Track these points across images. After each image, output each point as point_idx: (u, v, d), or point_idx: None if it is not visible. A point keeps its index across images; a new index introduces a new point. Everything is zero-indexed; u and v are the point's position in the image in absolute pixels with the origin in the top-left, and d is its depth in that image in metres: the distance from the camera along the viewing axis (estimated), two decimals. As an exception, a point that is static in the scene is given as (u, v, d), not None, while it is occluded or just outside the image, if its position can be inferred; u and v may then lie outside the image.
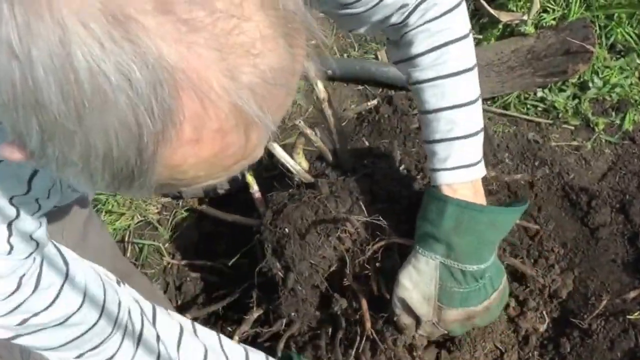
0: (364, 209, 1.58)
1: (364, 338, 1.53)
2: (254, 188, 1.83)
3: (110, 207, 2.15)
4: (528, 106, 2.23)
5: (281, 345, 1.59)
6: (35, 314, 1.09)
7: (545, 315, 1.74)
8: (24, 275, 1.04)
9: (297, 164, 1.66)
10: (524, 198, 1.83)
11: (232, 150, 0.67)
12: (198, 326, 1.44)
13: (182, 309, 1.93)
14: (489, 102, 2.25)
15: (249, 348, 1.50)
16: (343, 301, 1.58)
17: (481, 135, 1.44)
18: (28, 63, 0.57)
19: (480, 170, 1.45)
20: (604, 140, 2.11)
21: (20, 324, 1.08)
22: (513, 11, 2.38)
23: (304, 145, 1.79)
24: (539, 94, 2.23)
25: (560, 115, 2.18)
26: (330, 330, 1.63)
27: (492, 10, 2.34)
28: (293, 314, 1.61)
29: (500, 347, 1.68)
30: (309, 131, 1.64)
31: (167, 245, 2.11)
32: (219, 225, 2.07)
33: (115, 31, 0.56)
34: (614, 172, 2.01)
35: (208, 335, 1.45)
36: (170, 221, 2.14)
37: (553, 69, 2.16)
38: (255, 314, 1.70)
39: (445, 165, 1.41)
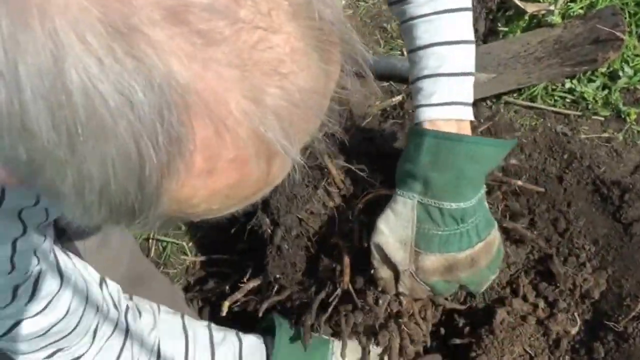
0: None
1: (339, 295, 1.44)
2: None
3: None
4: (556, 98, 2.13)
5: (264, 306, 1.53)
6: (19, 322, 1.09)
7: (577, 317, 1.66)
8: (18, 286, 1.02)
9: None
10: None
11: (251, 181, 0.59)
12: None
13: (203, 308, 1.90)
14: (514, 95, 2.17)
15: None
16: (327, 260, 1.51)
17: (472, 80, 1.38)
18: (14, 82, 0.48)
19: (468, 113, 1.36)
20: (636, 132, 2.01)
21: (5, 333, 1.08)
22: (539, 2, 2.29)
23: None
24: (567, 84, 2.13)
25: (590, 106, 2.09)
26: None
27: (518, 2, 2.26)
28: (279, 276, 1.54)
29: (530, 351, 1.60)
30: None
31: (190, 244, 2.07)
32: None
33: (116, 45, 0.47)
34: (647, 164, 1.91)
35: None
36: None
37: (582, 58, 2.06)
38: (252, 283, 1.64)
39: (430, 101, 1.33)
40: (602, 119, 2.06)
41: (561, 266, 1.70)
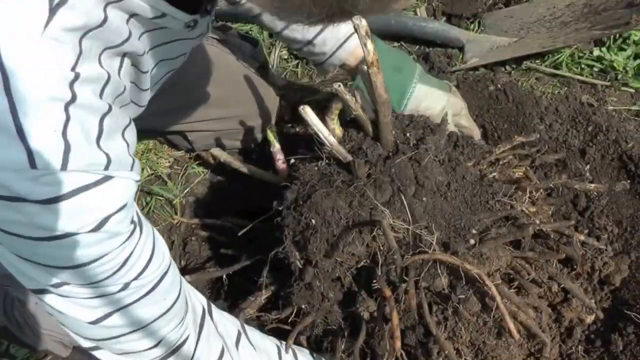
0: (405, 204, 1.29)
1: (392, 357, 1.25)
2: (276, 146, 1.55)
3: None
4: (582, 66, 1.91)
5: (290, 342, 1.34)
6: (138, 274, 0.97)
7: (594, 305, 1.45)
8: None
9: (330, 135, 1.35)
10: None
11: None
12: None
13: (185, 271, 1.72)
14: (537, 61, 1.95)
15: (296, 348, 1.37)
16: (371, 303, 1.30)
17: None
18: None
19: None
20: (669, 106, 1.79)
21: (122, 289, 0.96)
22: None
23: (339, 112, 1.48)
24: (596, 52, 1.91)
25: (619, 76, 1.86)
26: (347, 330, 1.36)
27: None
28: (304, 306, 1.36)
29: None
30: (348, 96, 1.33)
31: (175, 201, 1.88)
32: (233, 182, 1.85)
33: None
34: (679, 141, 1.68)
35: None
36: (181, 175, 1.93)
37: (614, 22, 1.83)
38: (264, 296, 1.47)
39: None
40: (633, 90, 1.84)
41: (579, 248, 1.48)
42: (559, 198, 1.61)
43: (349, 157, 1.35)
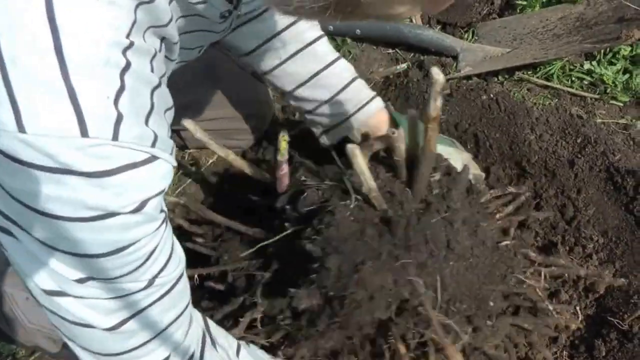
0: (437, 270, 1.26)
1: None
2: (284, 156, 1.40)
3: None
4: (573, 78, 1.94)
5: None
6: (160, 270, 0.93)
7: (579, 312, 1.50)
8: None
9: (372, 180, 1.26)
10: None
11: None
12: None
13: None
14: (529, 72, 1.97)
15: None
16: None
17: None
18: None
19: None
20: (656, 120, 1.82)
21: (146, 286, 0.91)
22: (562, -24, 2.10)
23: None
24: (586, 66, 1.94)
25: (609, 90, 1.90)
26: None
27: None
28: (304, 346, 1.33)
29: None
30: (402, 145, 1.29)
31: (167, 200, 1.85)
32: (225, 182, 1.85)
33: None
34: (666, 155, 1.72)
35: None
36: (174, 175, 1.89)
37: (604, 36, 1.87)
38: (254, 315, 1.39)
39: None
40: (621, 104, 1.87)
41: (566, 256, 1.52)
42: (547, 208, 1.63)
43: (384, 206, 1.30)
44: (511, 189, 1.58)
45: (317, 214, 1.31)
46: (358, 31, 2.14)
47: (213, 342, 1.16)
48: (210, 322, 1.21)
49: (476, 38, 2.12)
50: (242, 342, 1.27)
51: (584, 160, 1.71)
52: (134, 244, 0.84)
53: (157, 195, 0.82)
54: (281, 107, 1.95)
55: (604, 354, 1.43)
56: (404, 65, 2.08)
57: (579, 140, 1.75)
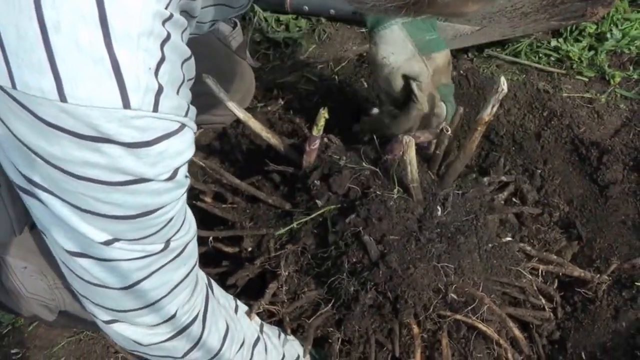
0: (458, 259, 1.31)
1: None
2: (320, 132, 1.36)
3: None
4: (540, 55, 1.96)
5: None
6: (176, 232, 0.94)
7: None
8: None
9: (416, 172, 1.28)
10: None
11: None
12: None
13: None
14: (498, 49, 2.00)
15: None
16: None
17: None
18: None
19: None
20: (619, 95, 1.85)
21: (164, 248, 0.92)
22: (530, -44, 2.11)
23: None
24: (553, 43, 1.96)
25: (575, 66, 1.92)
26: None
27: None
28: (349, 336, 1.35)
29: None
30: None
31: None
32: (211, 156, 1.84)
33: None
34: (628, 128, 1.75)
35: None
36: None
37: (570, 14, 1.89)
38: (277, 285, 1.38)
39: None
40: (586, 79, 1.90)
41: (533, 221, 1.55)
42: (517, 178, 1.65)
43: (420, 197, 1.32)
44: (502, 178, 1.60)
45: (351, 196, 1.33)
46: (332, 11, 2.15)
47: (215, 304, 1.18)
48: (213, 282, 1.23)
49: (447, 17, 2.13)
50: (239, 302, 1.29)
51: (550, 132, 1.74)
52: (161, 208, 0.85)
53: (185, 162, 0.83)
54: (259, 84, 1.95)
55: (567, 316, 1.47)
56: (377, 44, 2.08)
57: (545, 114, 1.78)
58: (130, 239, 0.87)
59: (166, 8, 0.73)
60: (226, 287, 1.39)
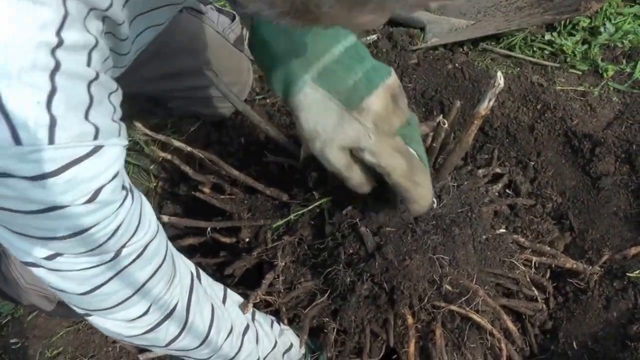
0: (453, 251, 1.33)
1: None
2: None
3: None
4: (534, 48, 1.98)
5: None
6: (129, 240, 0.91)
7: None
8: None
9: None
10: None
11: None
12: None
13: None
14: (493, 43, 2.00)
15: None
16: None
17: None
18: None
19: None
20: (612, 88, 1.86)
21: (115, 257, 0.90)
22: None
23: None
24: (547, 36, 1.98)
25: (568, 59, 1.94)
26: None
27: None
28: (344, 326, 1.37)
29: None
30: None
31: (152, 167, 1.87)
32: (207, 149, 1.80)
33: None
34: (620, 120, 1.76)
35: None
36: (158, 143, 1.85)
37: (564, 8, 1.90)
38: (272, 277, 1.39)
39: None
40: (580, 73, 1.91)
41: (526, 212, 1.56)
42: (511, 170, 1.67)
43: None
44: (497, 170, 1.62)
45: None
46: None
47: (202, 293, 1.17)
48: (202, 272, 1.22)
49: (443, 11, 2.14)
50: (231, 291, 1.29)
51: (543, 125, 1.75)
52: (94, 226, 0.82)
53: (110, 180, 0.81)
54: (258, 77, 1.96)
55: (559, 306, 1.48)
56: (373, 37, 2.09)
57: (539, 107, 1.79)
58: (75, 253, 0.86)
59: (57, 33, 0.71)
60: (224, 277, 1.41)
